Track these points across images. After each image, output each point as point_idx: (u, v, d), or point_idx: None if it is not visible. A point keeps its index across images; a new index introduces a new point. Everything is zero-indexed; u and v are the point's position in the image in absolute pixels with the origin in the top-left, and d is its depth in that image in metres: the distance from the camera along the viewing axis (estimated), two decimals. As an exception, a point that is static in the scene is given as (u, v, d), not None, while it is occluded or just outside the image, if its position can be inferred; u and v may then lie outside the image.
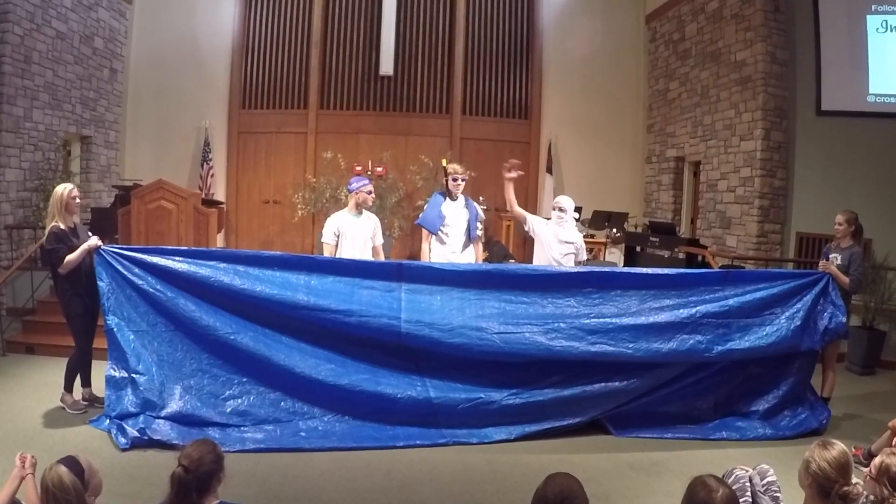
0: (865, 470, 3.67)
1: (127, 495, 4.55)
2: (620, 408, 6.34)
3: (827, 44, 10.30)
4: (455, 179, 7.28)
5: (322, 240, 7.10)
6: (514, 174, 7.19)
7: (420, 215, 7.36)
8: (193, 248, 7.55)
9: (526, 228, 7.51)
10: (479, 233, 7.35)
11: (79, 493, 3.01)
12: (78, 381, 6.42)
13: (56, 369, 6.70)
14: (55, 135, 11.01)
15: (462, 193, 7.35)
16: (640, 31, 14.86)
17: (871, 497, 3.39)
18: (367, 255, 6.99)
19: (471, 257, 7.30)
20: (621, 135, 14.95)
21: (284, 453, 5.56)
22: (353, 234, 6.97)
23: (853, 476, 3.24)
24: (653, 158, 14.50)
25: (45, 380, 7.04)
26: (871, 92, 10.03)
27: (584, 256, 7.40)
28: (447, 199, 7.29)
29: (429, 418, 6.06)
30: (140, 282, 5.94)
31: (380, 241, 7.23)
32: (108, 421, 5.75)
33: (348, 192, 7.23)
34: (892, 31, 9.85)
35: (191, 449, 3.15)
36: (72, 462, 3.13)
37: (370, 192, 7.14)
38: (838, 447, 3.22)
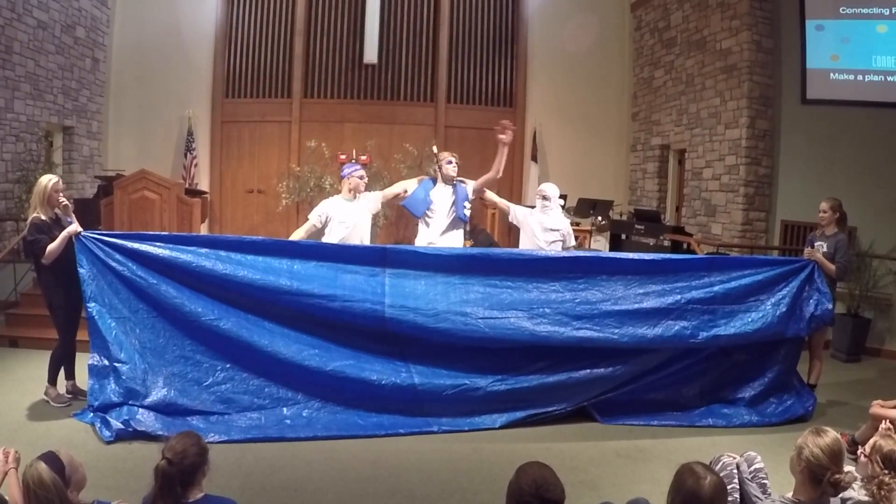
0: (860, 451, 3.72)
1: (112, 488, 4.50)
2: (607, 395, 6.35)
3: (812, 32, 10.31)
4: (450, 162, 7.23)
5: (308, 216, 7.10)
6: (508, 137, 7.06)
7: (406, 198, 7.31)
8: (175, 233, 7.50)
9: (510, 219, 7.50)
10: (467, 212, 7.28)
11: (59, 489, 2.98)
12: (62, 374, 6.36)
13: (40, 362, 6.63)
14: (37, 125, 10.88)
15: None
16: (626, 19, 14.85)
17: (864, 480, 3.43)
18: (359, 239, 6.93)
19: (453, 241, 7.24)
20: (606, 123, 14.96)
21: (270, 444, 5.53)
22: (344, 218, 6.92)
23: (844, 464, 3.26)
24: (638, 146, 14.51)
25: (29, 373, 6.98)
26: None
27: (572, 242, 7.38)
28: (437, 184, 7.25)
29: (413, 405, 6.04)
30: (121, 268, 5.88)
31: (374, 208, 7.26)
32: (91, 413, 5.71)
33: (341, 178, 7.21)
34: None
35: (175, 441, 3.12)
36: (52, 458, 3.09)
37: (362, 178, 7.11)
38: (831, 434, 3.23)
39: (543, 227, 7.16)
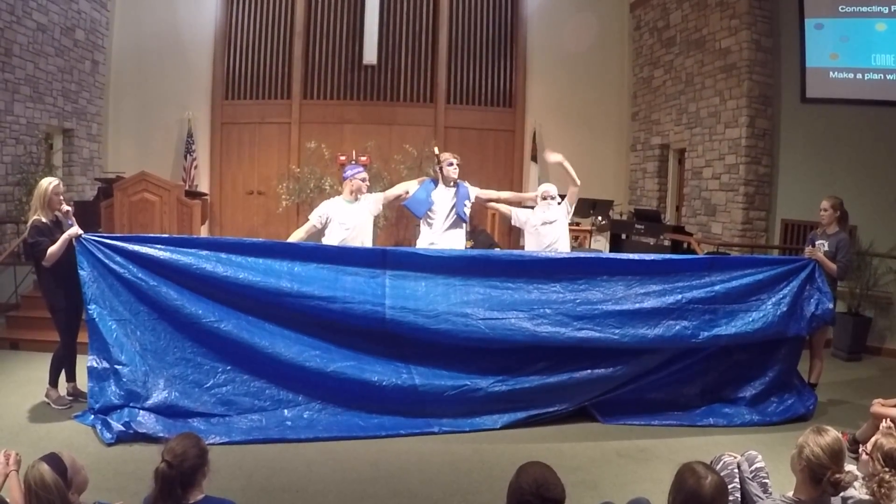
0: (862, 449, 3.72)
1: (113, 490, 4.50)
2: (607, 395, 6.35)
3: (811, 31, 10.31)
4: (451, 164, 7.28)
5: (309, 216, 7.09)
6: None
7: (408, 199, 7.33)
8: (175, 235, 7.50)
9: (513, 222, 7.55)
10: (467, 210, 7.31)
11: (61, 491, 2.98)
12: (63, 376, 6.36)
13: (41, 365, 6.63)
14: (37, 128, 10.89)
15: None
16: (625, 18, 14.84)
17: (865, 478, 3.43)
18: (360, 241, 6.93)
19: (455, 241, 7.27)
20: (606, 123, 14.95)
21: (271, 445, 5.53)
22: (345, 220, 6.91)
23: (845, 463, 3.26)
24: (637, 146, 14.51)
25: (30, 375, 6.97)
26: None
27: (570, 209, 7.47)
28: (438, 185, 7.28)
29: (415, 406, 6.04)
30: (122, 270, 5.87)
31: (376, 209, 7.26)
32: (92, 416, 5.71)
33: (343, 179, 7.21)
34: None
35: (174, 443, 3.12)
36: (54, 459, 3.09)
37: (364, 180, 7.11)
38: (832, 434, 3.22)
39: (545, 221, 7.23)
